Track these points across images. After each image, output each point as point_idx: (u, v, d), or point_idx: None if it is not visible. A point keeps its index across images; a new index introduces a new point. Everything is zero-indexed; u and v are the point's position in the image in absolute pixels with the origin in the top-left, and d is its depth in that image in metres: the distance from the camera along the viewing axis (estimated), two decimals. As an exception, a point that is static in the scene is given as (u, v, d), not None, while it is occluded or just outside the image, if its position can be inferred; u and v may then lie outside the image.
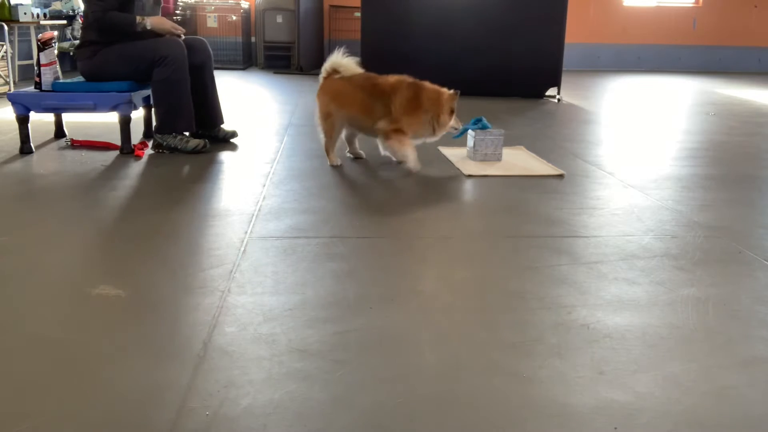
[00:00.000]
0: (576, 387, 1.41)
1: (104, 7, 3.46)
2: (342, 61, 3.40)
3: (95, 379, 1.40)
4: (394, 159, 3.43)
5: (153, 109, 3.73)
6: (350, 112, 3.35)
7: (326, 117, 3.39)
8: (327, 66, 3.43)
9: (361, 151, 3.62)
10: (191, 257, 2.11)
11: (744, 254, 2.25)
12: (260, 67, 9.33)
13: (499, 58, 6.52)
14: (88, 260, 2.09)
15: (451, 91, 3.28)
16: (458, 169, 3.41)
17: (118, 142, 3.67)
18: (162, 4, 3.88)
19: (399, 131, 3.26)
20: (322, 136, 3.47)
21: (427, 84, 3.32)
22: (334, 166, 3.39)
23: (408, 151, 3.27)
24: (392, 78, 3.33)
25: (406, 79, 3.32)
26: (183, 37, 3.68)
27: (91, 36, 3.57)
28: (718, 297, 1.89)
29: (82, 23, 3.63)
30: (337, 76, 3.38)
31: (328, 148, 3.45)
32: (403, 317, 1.72)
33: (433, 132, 3.34)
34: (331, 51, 3.47)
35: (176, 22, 4.61)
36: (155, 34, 3.61)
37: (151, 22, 3.56)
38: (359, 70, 3.42)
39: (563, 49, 6.52)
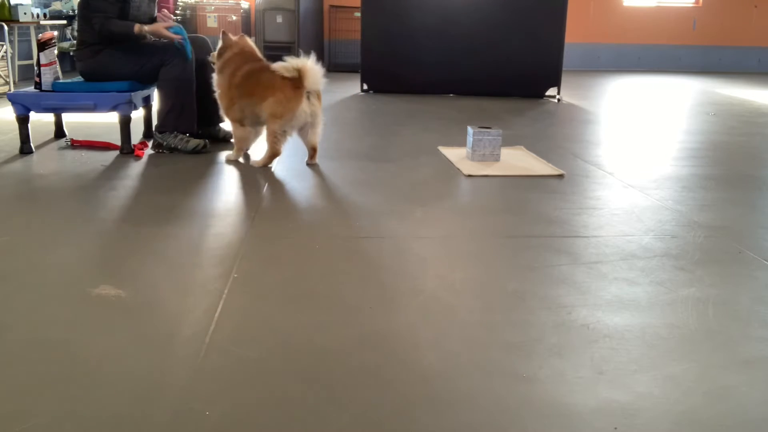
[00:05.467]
0: (576, 387, 1.41)
1: (104, 17, 3.47)
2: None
3: (95, 378, 1.40)
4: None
5: (155, 108, 3.73)
6: None
7: None
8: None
9: None
10: (191, 257, 2.11)
11: (744, 254, 2.25)
12: (260, 67, 9.31)
13: (499, 58, 6.52)
14: (88, 260, 2.09)
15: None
16: (458, 169, 3.41)
17: (118, 142, 3.67)
18: (157, 2, 3.88)
19: None
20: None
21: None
22: None
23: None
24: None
25: None
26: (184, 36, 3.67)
27: (91, 37, 3.56)
28: (718, 297, 1.89)
29: (78, 25, 3.62)
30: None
31: None
32: (403, 317, 1.72)
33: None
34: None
35: (177, 21, 4.59)
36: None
37: (149, 30, 3.54)
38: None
39: (563, 49, 6.52)
